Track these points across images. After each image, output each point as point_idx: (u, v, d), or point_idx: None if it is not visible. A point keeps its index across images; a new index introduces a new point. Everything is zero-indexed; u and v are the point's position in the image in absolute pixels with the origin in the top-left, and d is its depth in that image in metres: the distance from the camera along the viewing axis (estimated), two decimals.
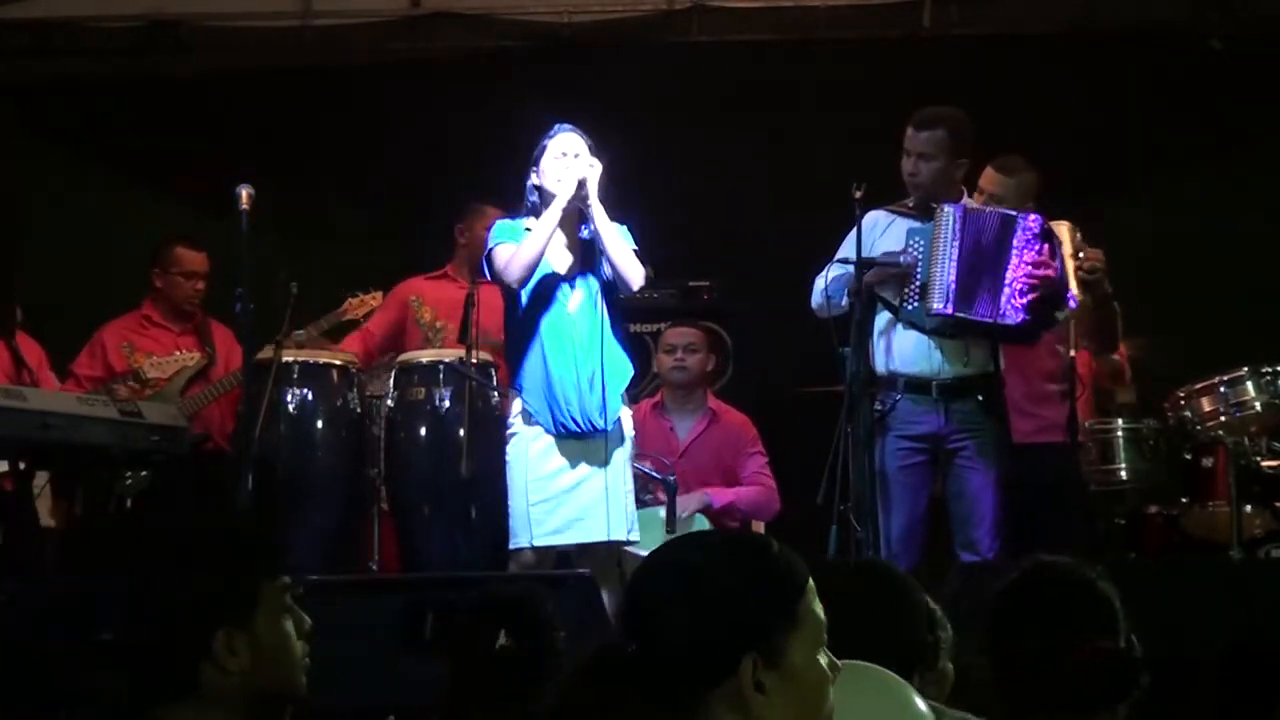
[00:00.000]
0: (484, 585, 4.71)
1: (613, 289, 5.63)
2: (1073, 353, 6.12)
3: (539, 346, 5.57)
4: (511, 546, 5.61)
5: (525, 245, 5.58)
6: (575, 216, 5.63)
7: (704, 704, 1.90)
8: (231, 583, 2.26)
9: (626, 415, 5.67)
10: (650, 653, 1.90)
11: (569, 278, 5.62)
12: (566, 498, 5.53)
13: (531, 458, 5.55)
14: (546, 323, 5.58)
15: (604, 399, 5.50)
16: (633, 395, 7.15)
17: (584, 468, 5.54)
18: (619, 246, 5.58)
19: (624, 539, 5.54)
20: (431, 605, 5.14)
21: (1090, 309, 6.14)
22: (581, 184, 5.53)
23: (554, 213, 5.56)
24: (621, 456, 5.60)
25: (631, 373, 5.70)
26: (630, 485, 5.64)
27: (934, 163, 5.76)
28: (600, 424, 5.50)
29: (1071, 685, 2.63)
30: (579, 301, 5.59)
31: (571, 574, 5.47)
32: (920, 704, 2.90)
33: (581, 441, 5.53)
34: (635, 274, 5.60)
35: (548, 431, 5.53)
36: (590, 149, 5.66)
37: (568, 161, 5.60)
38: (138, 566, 2.22)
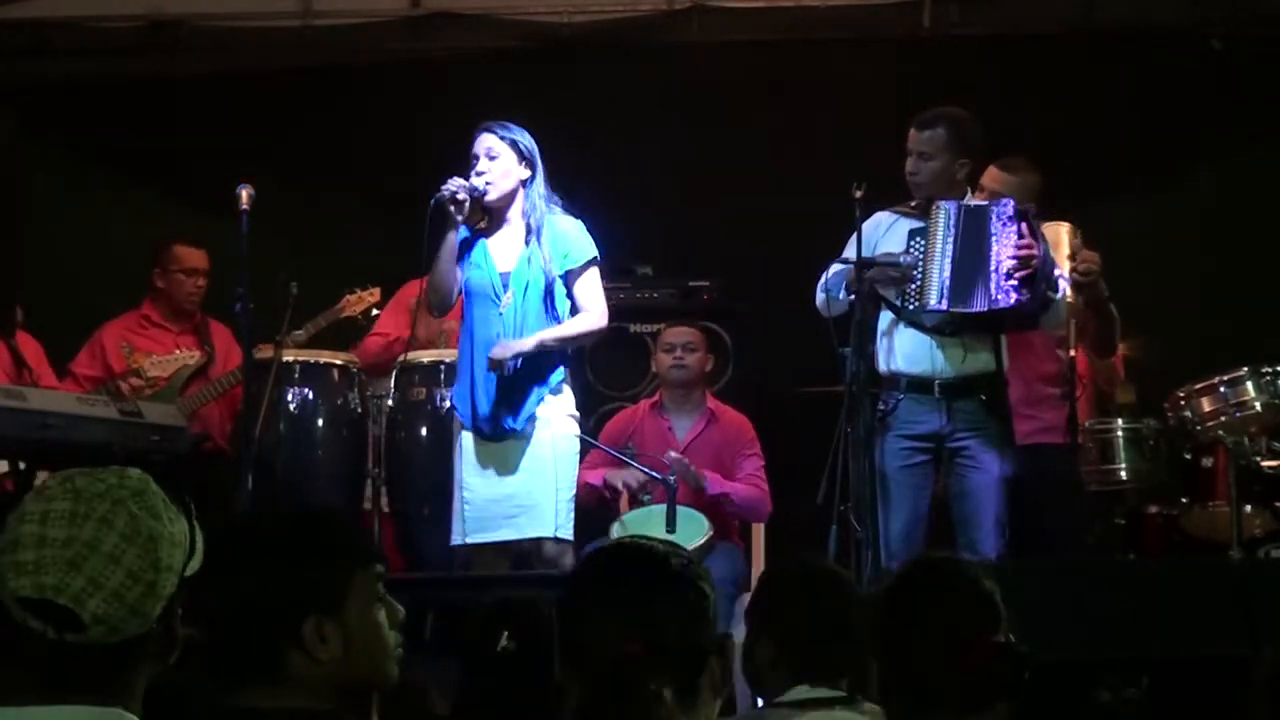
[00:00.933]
0: (488, 586, 4.73)
1: (552, 294, 5.62)
2: (1072, 353, 6.11)
3: (470, 346, 5.61)
4: (452, 544, 5.66)
5: (434, 272, 5.64)
6: (509, 212, 5.60)
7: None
8: (323, 571, 2.26)
9: (561, 416, 5.64)
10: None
11: (505, 276, 5.60)
12: (486, 495, 5.56)
13: (464, 456, 5.60)
14: (477, 321, 5.61)
15: (522, 400, 5.51)
16: (632, 395, 7.17)
17: (507, 467, 5.57)
18: (571, 338, 5.62)
19: (550, 535, 5.55)
20: (431, 605, 5.15)
21: (1082, 310, 6.12)
22: (463, 203, 5.50)
23: (450, 236, 5.56)
24: (549, 454, 5.58)
25: (562, 373, 5.64)
26: (564, 484, 5.62)
27: (933, 162, 5.75)
28: (511, 425, 5.51)
29: (958, 682, 2.64)
30: (510, 302, 5.58)
31: (565, 574, 5.48)
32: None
33: (501, 442, 5.56)
34: (592, 338, 5.71)
35: (468, 428, 5.57)
36: (514, 144, 5.58)
37: (478, 166, 5.59)
38: (226, 555, 2.23)
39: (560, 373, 5.63)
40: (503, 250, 5.65)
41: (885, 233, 5.82)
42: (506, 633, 3.35)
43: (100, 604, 2.02)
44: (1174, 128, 7.90)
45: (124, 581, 2.03)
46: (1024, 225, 5.62)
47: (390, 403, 6.50)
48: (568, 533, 5.63)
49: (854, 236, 5.66)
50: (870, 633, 2.81)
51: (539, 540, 5.59)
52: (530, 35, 7.93)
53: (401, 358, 6.47)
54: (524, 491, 5.56)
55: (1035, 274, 5.61)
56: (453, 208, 5.53)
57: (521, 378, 5.53)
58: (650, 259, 7.64)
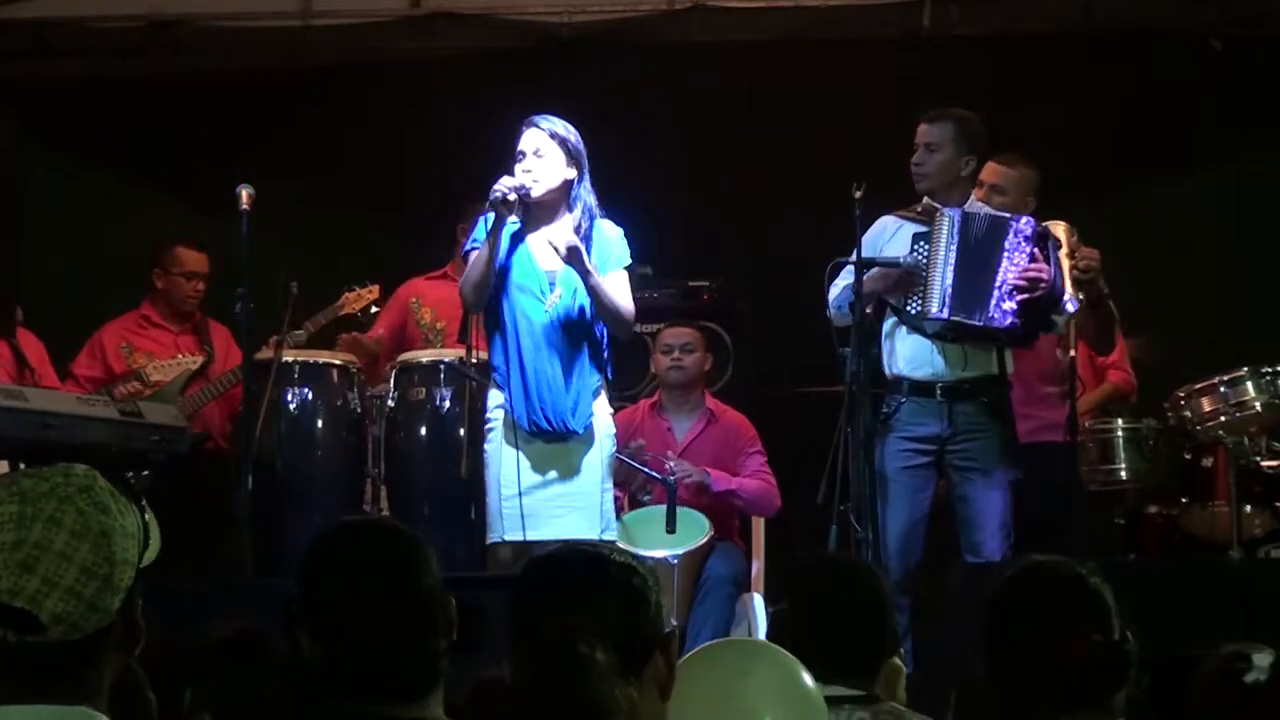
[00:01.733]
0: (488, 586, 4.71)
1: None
2: (1072, 353, 6.11)
3: (515, 349, 5.51)
4: (488, 542, 5.61)
5: (470, 267, 5.51)
6: (558, 209, 5.52)
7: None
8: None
9: (604, 418, 5.61)
10: None
11: (551, 274, 5.52)
12: (539, 494, 5.51)
13: (507, 453, 5.53)
14: (525, 320, 5.50)
15: (576, 401, 5.47)
16: (632, 395, 7.17)
17: (556, 466, 5.52)
18: (609, 299, 5.46)
19: (596, 538, 5.48)
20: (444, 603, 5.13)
21: (1085, 309, 6.12)
22: (513, 204, 5.40)
23: (494, 233, 5.43)
24: (596, 457, 5.55)
25: (599, 379, 5.60)
26: (607, 485, 5.60)
27: (939, 154, 5.76)
28: (573, 426, 5.48)
29: (1065, 679, 2.66)
30: (557, 300, 5.51)
31: None
32: (808, 679, 2.93)
33: (553, 441, 5.50)
34: (622, 328, 5.54)
35: (523, 428, 5.50)
36: (563, 142, 5.49)
37: (523, 164, 5.48)
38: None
39: (602, 379, 5.61)
40: (546, 249, 5.52)
41: (890, 238, 5.81)
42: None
43: (58, 603, 2.03)
44: (1174, 128, 7.90)
45: (79, 578, 2.04)
46: (1037, 249, 5.62)
47: (390, 403, 6.51)
48: (612, 534, 5.59)
49: (860, 241, 5.65)
50: (978, 634, 2.82)
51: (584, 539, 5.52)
52: (530, 35, 7.93)
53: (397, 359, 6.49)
54: (576, 491, 5.51)
55: (1036, 300, 5.61)
56: (504, 209, 5.40)
57: (577, 378, 5.49)
58: (650, 259, 7.63)
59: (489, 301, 5.55)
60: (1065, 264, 5.86)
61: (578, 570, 2.41)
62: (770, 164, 7.87)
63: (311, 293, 6.67)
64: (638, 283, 7.45)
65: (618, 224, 5.64)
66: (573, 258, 5.38)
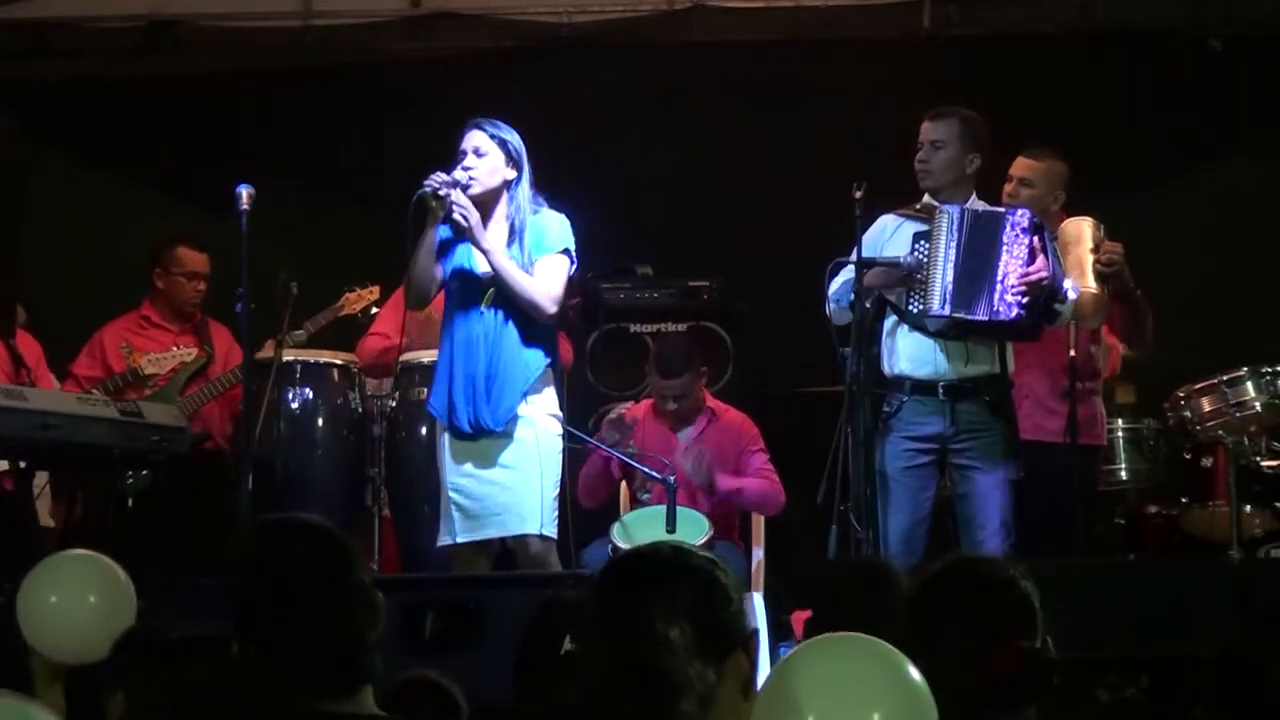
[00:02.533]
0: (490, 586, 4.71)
1: None
2: (1072, 352, 6.10)
3: (449, 346, 5.56)
4: (439, 544, 5.63)
5: (412, 268, 5.56)
6: (495, 210, 5.55)
7: None
8: None
9: (540, 412, 5.57)
10: None
11: (487, 274, 5.54)
12: (476, 495, 5.52)
13: (445, 456, 5.56)
14: (460, 322, 5.54)
15: (500, 399, 5.46)
16: (633, 395, 7.17)
17: (489, 465, 5.52)
18: (516, 286, 5.47)
19: (535, 533, 5.50)
20: (432, 605, 5.14)
21: (1107, 302, 6.07)
22: (445, 198, 5.43)
23: (430, 233, 5.49)
24: (533, 452, 5.53)
25: (543, 366, 5.55)
26: (549, 480, 5.56)
27: (945, 151, 5.75)
28: (489, 424, 5.48)
29: (989, 685, 2.64)
30: (494, 300, 5.53)
31: (572, 574, 5.48)
32: (914, 673, 2.91)
33: (479, 441, 5.51)
34: (537, 308, 5.49)
35: (454, 427, 5.53)
36: (503, 144, 5.53)
37: (464, 162, 5.52)
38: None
39: (541, 371, 5.57)
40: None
41: (890, 237, 5.80)
42: (569, 636, 3.34)
43: None
44: (1174, 128, 7.90)
45: None
46: (1036, 240, 5.61)
47: (390, 403, 6.51)
48: (553, 530, 5.58)
49: (856, 248, 5.65)
50: (899, 631, 2.81)
51: (524, 538, 5.55)
52: (530, 35, 7.93)
53: (399, 359, 6.48)
54: (508, 490, 5.52)
55: (1038, 291, 5.60)
56: (434, 203, 5.47)
57: (501, 376, 5.50)
58: (650, 259, 7.64)
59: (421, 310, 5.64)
60: (1088, 259, 5.85)
61: (660, 559, 2.38)
62: (770, 164, 7.88)
63: (311, 293, 6.67)
64: (638, 283, 7.52)
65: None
66: (466, 232, 5.43)
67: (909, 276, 5.67)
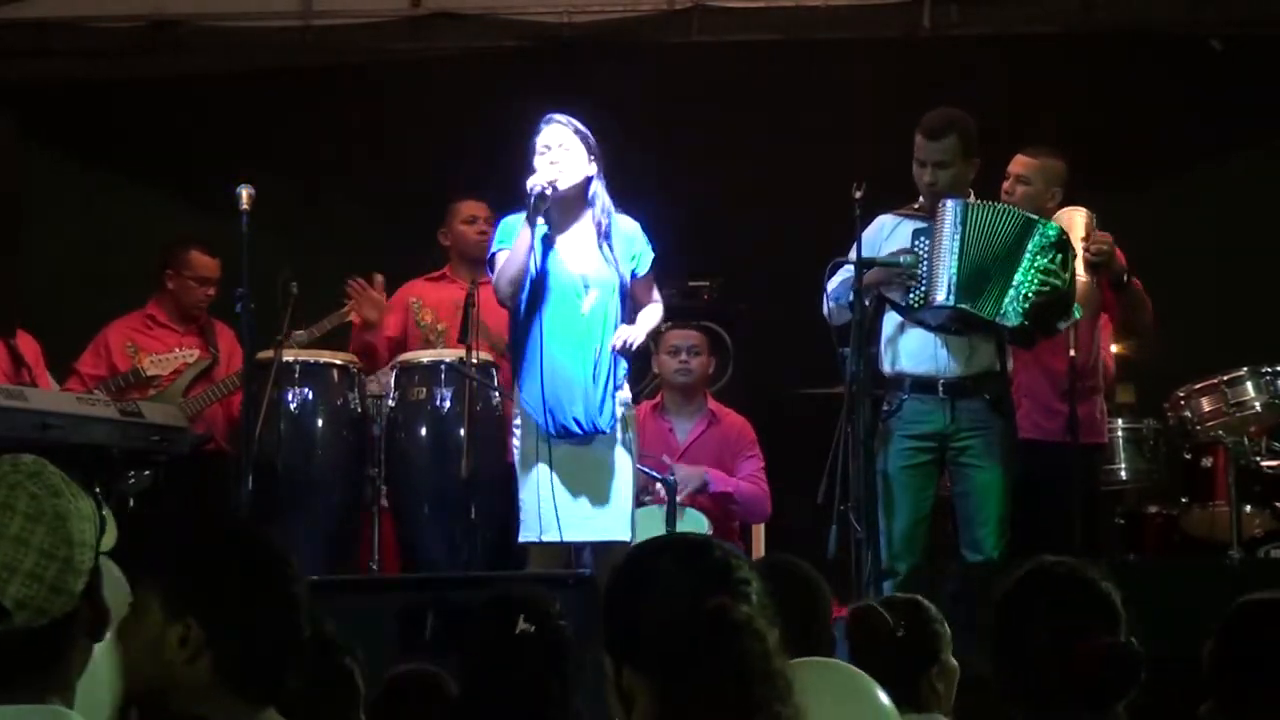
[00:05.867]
0: (490, 585, 4.71)
1: (628, 293, 5.60)
2: (1072, 352, 6.09)
3: (544, 346, 5.48)
4: (520, 540, 5.61)
5: (507, 262, 5.51)
6: (576, 207, 5.53)
7: None
8: None
9: (630, 413, 5.63)
10: None
11: (584, 277, 5.52)
12: (568, 496, 5.50)
13: (537, 454, 5.51)
14: (557, 323, 5.49)
15: (602, 400, 5.46)
16: (633, 395, 7.16)
17: (585, 467, 5.51)
18: (653, 326, 5.66)
19: (624, 539, 5.49)
20: (431, 605, 5.14)
21: (1097, 291, 6.07)
22: (539, 195, 5.41)
23: (525, 229, 5.45)
24: (628, 456, 5.56)
25: (625, 372, 5.61)
26: (632, 485, 5.60)
27: (951, 169, 5.75)
28: (601, 426, 5.47)
29: (1075, 681, 2.66)
30: (594, 302, 5.51)
31: (572, 574, 5.47)
32: (884, 699, 2.93)
33: (583, 442, 5.50)
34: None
35: (546, 432, 5.49)
36: (584, 138, 5.52)
37: (545, 159, 5.48)
38: None
39: (626, 372, 5.61)
40: (575, 250, 5.55)
41: (889, 236, 5.81)
42: (523, 615, 3.36)
43: (19, 588, 2.02)
44: (1174, 128, 7.90)
45: (39, 561, 2.03)
46: (1061, 257, 5.64)
47: (390, 403, 6.51)
48: (632, 529, 5.56)
49: (855, 247, 5.65)
50: (987, 633, 2.82)
51: (609, 544, 5.49)
52: (530, 35, 7.93)
53: (399, 359, 6.49)
54: (604, 492, 5.50)
55: (1048, 305, 5.61)
56: (543, 204, 5.42)
57: (607, 378, 5.48)
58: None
59: (514, 307, 5.59)
60: (1079, 249, 5.85)
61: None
62: (770, 164, 7.87)
63: (311, 293, 6.66)
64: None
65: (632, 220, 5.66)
66: (634, 339, 5.52)
67: (909, 273, 5.67)
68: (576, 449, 5.50)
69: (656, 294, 5.73)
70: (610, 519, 5.49)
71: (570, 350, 5.48)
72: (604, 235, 5.52)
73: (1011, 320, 5.62)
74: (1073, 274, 5.70)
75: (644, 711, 2.13)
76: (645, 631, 2.17)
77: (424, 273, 7.22)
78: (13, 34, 7.87)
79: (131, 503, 6.46)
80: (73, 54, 7.95)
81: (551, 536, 5.50)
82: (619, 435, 5.55)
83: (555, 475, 5.49)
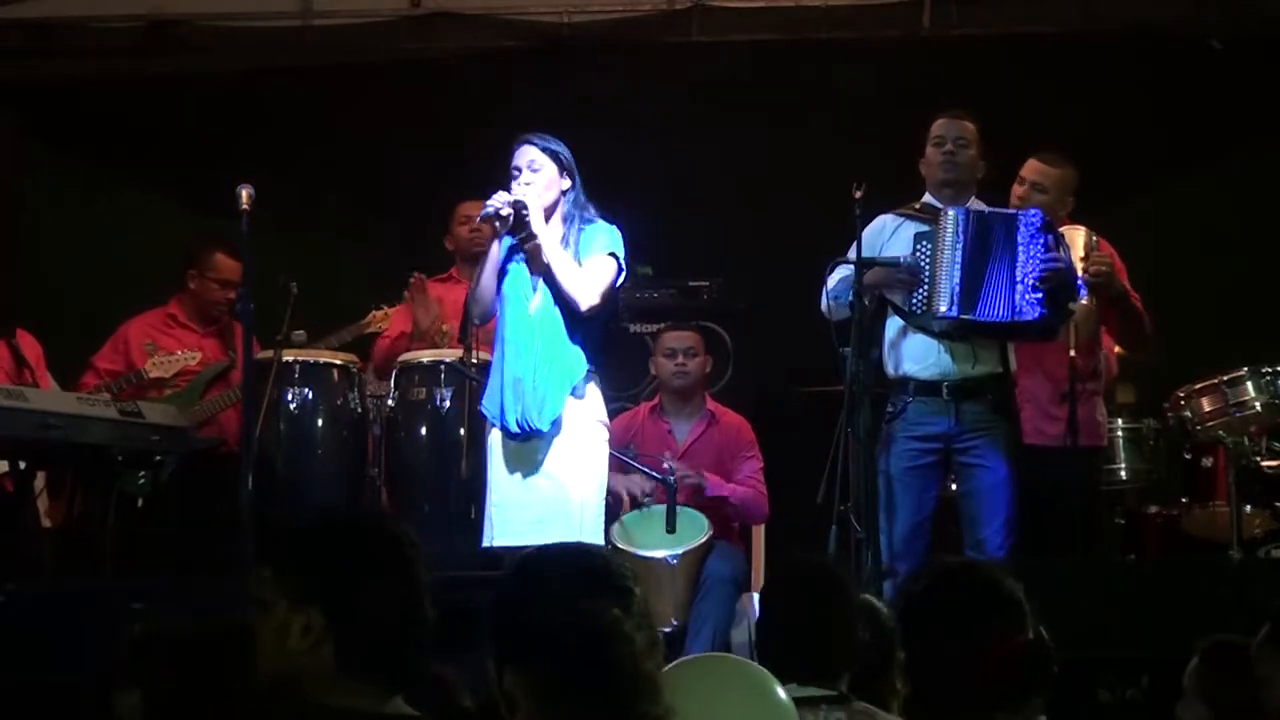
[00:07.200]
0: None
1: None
2: (1072, 353, 6.10)
3: (501, 348, 5.57)
4: (483, 545, 5.61)
5: (474, 282, 5.60)
6: (550, 223, 5.56)
7: None
8: None
9: (586, 414, 5.57)
10: None
11: (535, 278, 5.56)
12: (521, 499, 5.52)
13: (495, 458, 5.56)
14: (510, 325, 5.56)
15: (544, 401, 5.46)
16: (632, 396, 7.16)
17: (535, 469, 5.51)
18: (562, 273, 5.50)
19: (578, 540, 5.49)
20: (432, 605, 5.13)
21: (1094, 311, 6.09)
22: (507, 218, 5.46)
23: (494, 249, 5.54)
24: (575, 458, 5.53)
25: (585, 369, 5.57)
26: (591, 487, 5.57)
27: (970, 150, 5.84)
28: (538, 425, 5.47)
29: (990, 682, 2.66)
30: (538, 304, 5.54)
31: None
32: (781, 693, 2.95)
33: (529, 443, 5.51)
34: (579, 298, 5.49)
35: (505, 429, 5.53)
36: (554, 156, 5.56)
37: (521, 179, 5.54)
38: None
39: (583, 375, 5.57)
40: (538, 254, 5.58)
41: (890, 236, 5.81)
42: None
43: None
44: (1174, 128, 7.90)
45: None
46: (1051, 238, 5.65)
47: (390, 403, 6.51)
48: (596, 536, 5.55)
49: (855, 247, 5.66)
50: (897, 639, 2.83)
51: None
52: (530, 35, 7.94)
53: (404, 354, 6.49)
54: (551, 495, 5.51)
55: (1057, 288, 5.62)
56: (498, 224, 5.50)
57: (545, 377, 5.50)
58: (650, 259, 7.64)
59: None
60: (1078, 266, 5.87)
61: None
62: (770, 164, 7.88)
63: (311, 293, 6.66)
64: (639, 282, 7.52)
65: (615, 224, 5.65)
66: (525, 224, 5.45)
67: (910, 277, 5.67)
68: (523, 449, 5.51)
69: (598, 277, 5.55)
70: (558, 521, 5.46)
71: (517, 350, 5.52)
72: (569, 242, 5.55)
73: (1029, 314, 5.62)
74: (1067, 252, 5.72)
75: (525, 713, 2.21)
76: (524, 635, 2.27)
77: (429, 274, 7.23)
78: (14, 34, 7.88)
79: (140, 503, 6.46)
80: (74, 54, 7.95)
81: (503, 541, 5.50)
82: (562, 436, 5.51)
83: (505, 477, 5.53)
